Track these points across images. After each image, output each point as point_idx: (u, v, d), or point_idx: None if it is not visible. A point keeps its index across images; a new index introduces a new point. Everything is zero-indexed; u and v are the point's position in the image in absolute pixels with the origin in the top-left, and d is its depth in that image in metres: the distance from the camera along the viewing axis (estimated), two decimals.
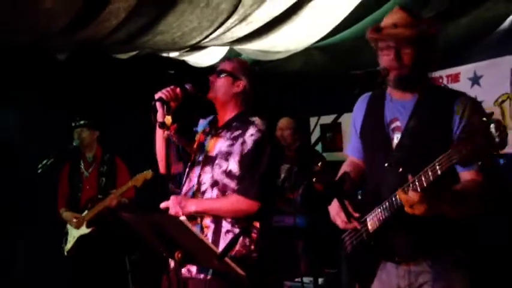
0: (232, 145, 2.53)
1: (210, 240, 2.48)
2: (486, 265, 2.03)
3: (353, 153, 2.37)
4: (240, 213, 2.47)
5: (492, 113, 1.71)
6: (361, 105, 2.27)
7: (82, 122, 4.50)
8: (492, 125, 1.52)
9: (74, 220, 4.37)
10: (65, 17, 3.05)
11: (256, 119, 2.58)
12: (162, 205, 2.57)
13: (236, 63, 2.68)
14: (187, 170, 2.67)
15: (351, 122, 2.33)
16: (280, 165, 4.68)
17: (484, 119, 1.54)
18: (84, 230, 4.36)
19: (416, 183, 1.72)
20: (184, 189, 2.65)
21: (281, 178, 4.67)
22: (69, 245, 4.40)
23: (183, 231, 2.01)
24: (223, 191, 2.51)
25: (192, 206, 2.49)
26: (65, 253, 4.42)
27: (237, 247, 2.44)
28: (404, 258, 1.98)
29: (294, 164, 4.54)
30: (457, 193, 1.83)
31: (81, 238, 4.37)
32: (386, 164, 1.98)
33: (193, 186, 2.60)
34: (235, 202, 2.47)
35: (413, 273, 1.96)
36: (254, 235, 2.51)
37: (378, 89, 2.16)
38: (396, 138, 2.03)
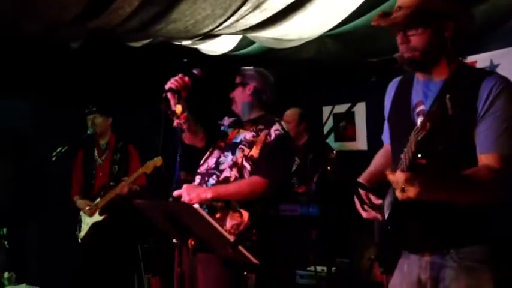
0: (257, 136, 2.72)
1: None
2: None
3: (385, 140, 2.27)
4: (257, 193, 2.59)
5: None
6: (391, 89, 2.15)
7: (94, 109, 4.52)
8: (448, 95, 1.46)
9: (87, 208, 4.40)
10: (78, 5, 3.05)
11: (281, 120, 2.85)
12: (175, 193, 2.62)
13: (243, 73, 2.94)
14: (207, 154, 2.83)
15: (384, 107, 2.20)
16: None
17: (448, 96, 1.45)
18: (97, 217, 4.39)
19: (404, 162, 1.57)
20: (200, 170, 2.78)
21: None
22: (83, 233, 4.44)
23: (197, 219, 2.02)
24: (241, 171, 2.66)
25: (208, 193, 2.57)
26: (79, 240, 4.46)
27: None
28: (426, 248, 1.88)
29: (300, 157, 4.56)
30: (464, 178, 1.68)
31: (95, 225, 4.39)
32: (404, 149, 1.79)
33: (209, 164, 2.74)
34: (255, 183, 2.60)
35: (435, 265, 1.85)
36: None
37: (408, 73, 2.02)
38: (419, 122, 1.83)
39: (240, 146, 2.71)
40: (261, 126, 2.76)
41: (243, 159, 2.67)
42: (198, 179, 2.75)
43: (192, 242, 2.14)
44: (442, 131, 1.50)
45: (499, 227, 1.83)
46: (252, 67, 3.00)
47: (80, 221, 4.49)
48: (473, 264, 1.79)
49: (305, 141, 4.76)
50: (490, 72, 1.88)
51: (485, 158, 1.75)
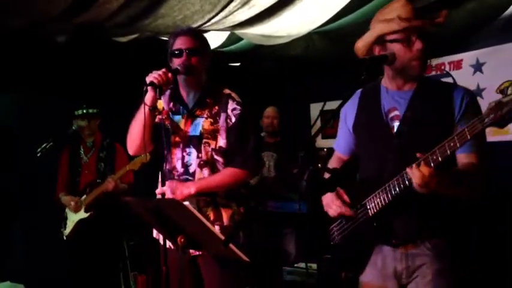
0: (215, 123, 2.55)
1: (212, 217, 2.51)
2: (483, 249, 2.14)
3: (339, 149, 2.42)
4: (238, 183, 2.57)
5: None
6: (352, 102, 2.29)
7: (91, 111, 4.45)
8: None
9: (72, 203, 4.35)
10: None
11: (231, 92, 2.60)
12: (158, 191, 2.56)
13: (199, 37, 2.61)
14: (165, 152, 2.63)
15: (341, 119, 2.37)
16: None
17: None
18: (82, 214, 4.35)
19: (431, 158, 1.81)
20: (170, 175, 2.62)
21: (267, 166, 4.74)
22: (68, 230, 4.39)
23: (186, 216, 2.00)
24: (213, 167, 2.55)
25: (191, 188, 2.49)
26: (64, 238, 4.41)
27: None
28: (401, 240, 2.03)
29: (277, 151, 4.62)
30: (458, 173, 1.94)
31: (80, 223, 4.35)
32: (385, 151, 2.07)
33: (177, 168, 2.60)
34: (235, 174, 2.53)
35: (410, 256, 2.03)
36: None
37: (369, 83, 2.25)
38: (396, 126, 2.10)
39: (203, 140, 2.55)
40: (214, 110, 2.55)
41: (212, 153, 2.55)
42: None
43: (182, 240, 2.12)
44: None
45: (464, 223, 2.07)
46: (185, 28, 2.67)
47: (65, 218, 4.44)
48: (445, 251, 2.01)
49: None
50: (455, 84, 2.21)
51: (464, 157, 1.99)
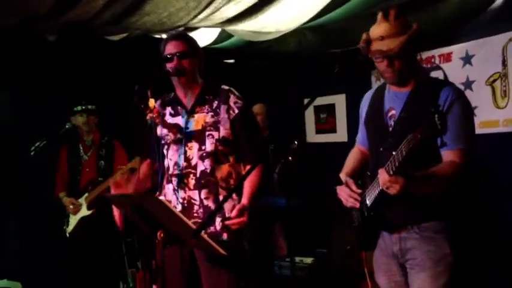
0: (216, 115, 2.60)
1: (213, 209, 2.54)
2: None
3: (359, 142, 2.64)
4: (264, 179, 2.63)
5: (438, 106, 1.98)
6: (368, 96, 2.52)
7: (90, 107, 4.50)
8: (436, 115, 1.84)
9: (71, 207, 4.40)
10: None
11: (230, 88, 2.67)
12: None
13: (188, 40, 2.68)
14: (165, 151, 2.68)
15: (360, 113, 2.57)
16: None
17: (432, 109, 1.86)
18: (85, 212, 4.39)
19: (390, 166, 2.01)
20: (171, 170, 2.65)
21: None
22: (71, 227, 4.44)
23: (162, 210, 2.02)
24: (217, 159, 2.59)
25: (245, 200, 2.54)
26: (67, 235, 4.45)
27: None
28: (394, 228, 2.29)
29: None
30: (431, 176, 2.11)
31: (83, 220, 4.40)
32: (381, 149, 2.27)
33: (179, 164, 2.62)
34: (258, 172, 2.57)
35: (403, 239, 2.27)
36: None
37: (382, 84, 2.44)
38: (391, 125, 2.28)
39: (206, 133, 2.60)
40: (214, 104, 2.62)
41: (218, 144, 2.59)
42: (174, 181, 2.63)
43: (161, 235, 2.15)
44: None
45: (451, 208, 2.26)
46: (175, 31, 2.76)
47: (67, 216, 4.48)
48: (432, 235, 2.22)
49: (265, 136, 4.88)
50: (446, 82, 2.33)
51: (448, 154, 2.15)
